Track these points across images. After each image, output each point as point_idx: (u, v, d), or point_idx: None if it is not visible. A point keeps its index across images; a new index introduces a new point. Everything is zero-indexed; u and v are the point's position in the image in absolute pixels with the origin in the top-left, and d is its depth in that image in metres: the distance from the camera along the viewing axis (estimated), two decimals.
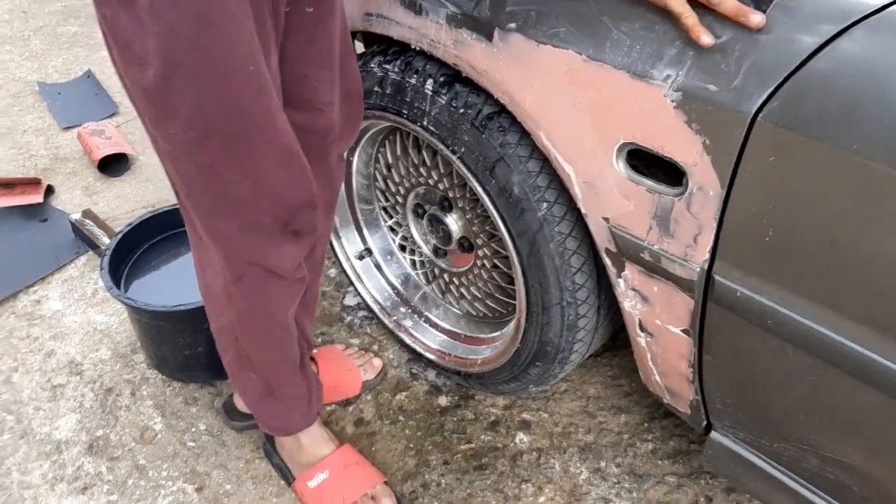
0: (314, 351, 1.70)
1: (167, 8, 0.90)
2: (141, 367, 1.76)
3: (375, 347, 1.80)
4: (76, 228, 2.10)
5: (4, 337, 1.85)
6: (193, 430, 1.63)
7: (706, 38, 0.90)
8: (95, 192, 2.36)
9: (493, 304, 1.57)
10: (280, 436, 1.47)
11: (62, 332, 1.86)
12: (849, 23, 0.82)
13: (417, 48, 1.25)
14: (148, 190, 2.36)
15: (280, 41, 1.09)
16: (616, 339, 1.73)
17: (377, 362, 1.72)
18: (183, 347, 1.61)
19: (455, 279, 1.62)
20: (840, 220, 0.85)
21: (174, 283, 1.70)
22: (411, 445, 1.58)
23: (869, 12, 0.81)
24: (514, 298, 1.50)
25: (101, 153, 2.37)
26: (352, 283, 1.78)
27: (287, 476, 1.50)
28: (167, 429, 1.63)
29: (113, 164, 2.41)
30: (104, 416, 1.65)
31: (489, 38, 1.11)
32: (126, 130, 2.64)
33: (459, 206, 1.46)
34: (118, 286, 1.67)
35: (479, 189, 1.27)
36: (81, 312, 1.91)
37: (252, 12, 0.96)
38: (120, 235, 1.70)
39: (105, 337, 1.84)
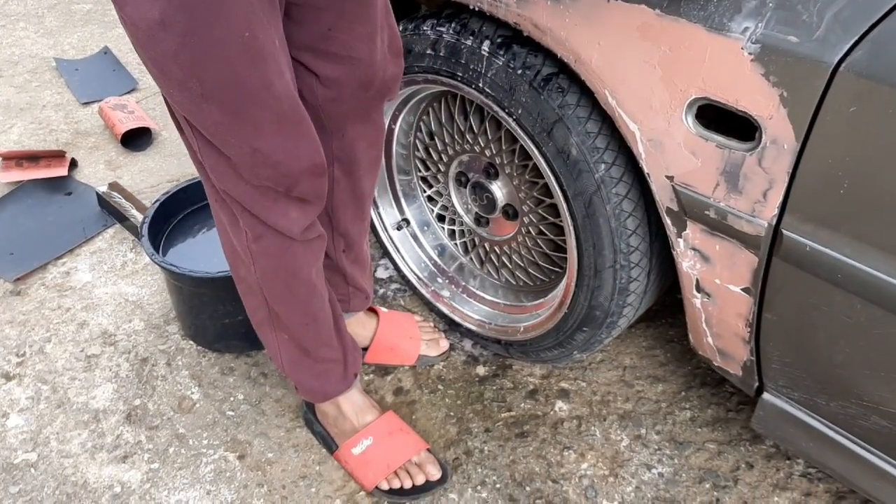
0: (384, 310, 1.71)
1: None
2: (175, 337, 1.76)
3: None
4: (103, 201, 2.09)
5: (35, 308, 1.84)
6: (232, 399, 1.62)
7: None
8: (119, 166, 2.35)
9: (534, 273, 1.57)
10: (318, 401, 1.47)
11: (93, 303, 1.86)
12: None
13: (476, 8, 1.25)
14: (172, 165, 2.35)
15: None
16: (649, 312, 1.74)
17: (444, 343, 1.71)
18: (223, 315, 1.60)
19: (496, 248, 1.62)
20: None
21: (209, 253, 1.70)
22: (452, 414, 1.59)
23: None
24: (558, 266, 1.51)
25: (124, 127, 2.36)
26: (387, 255, 1.78)
27: (330, 444, 1.50)
28: (205, 398, 1.62)
29: (135, 139, 2.40)
30: (141, 386, 1.65)
31: None
32: (147, 106, 2.63)
33: (506, 172, 1.46)
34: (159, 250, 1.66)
35: (536, 152, 1.27)
36: (112, 284, 1.91)
37: None
38: (157, 204, 1.69)
39: (137, 308, 1.84)
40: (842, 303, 1.01)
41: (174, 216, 1.76)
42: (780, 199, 1.00)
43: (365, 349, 1.65)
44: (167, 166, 2.34)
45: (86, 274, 1.94)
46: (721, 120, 1.04)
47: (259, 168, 1.08)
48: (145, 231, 1.61)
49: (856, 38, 0.87)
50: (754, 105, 0.97)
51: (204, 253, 1.71)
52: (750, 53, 0.95)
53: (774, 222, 1.02)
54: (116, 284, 1.91)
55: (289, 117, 1.07)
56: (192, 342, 1.74)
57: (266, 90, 1.03)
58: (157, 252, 1.67)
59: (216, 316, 1.61)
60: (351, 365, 1.45)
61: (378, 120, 1.33)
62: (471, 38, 1.29)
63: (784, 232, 1.02)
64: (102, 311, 1.83)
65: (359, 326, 1.63)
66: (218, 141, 1.06)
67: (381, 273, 1.93)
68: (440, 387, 1.65)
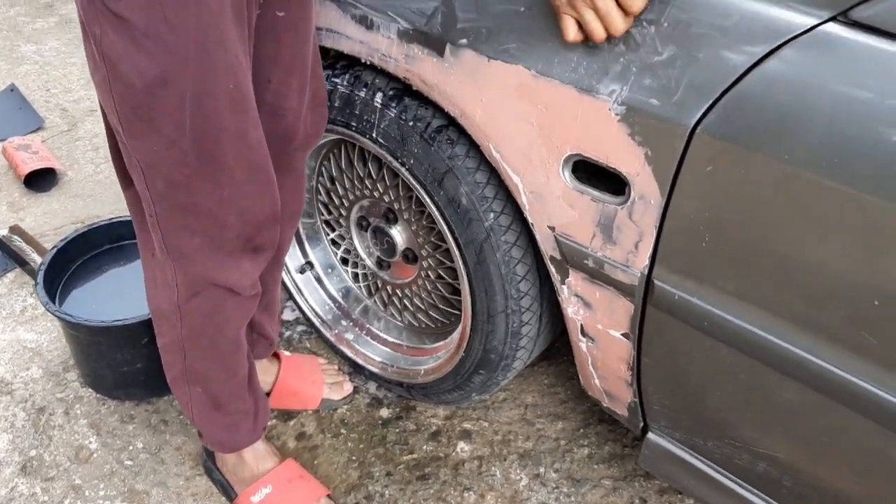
0: (286, 354, 1.70)
1: (165, 30, 0.93)
2: (74, 385, 1.72)
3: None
4: (3, 245, 2.04)
5: None
6: (130, 448, 1.60)
7: (570, 36, 0.99)
8: (21, 207, 2.29)
9: (435, 315, 1.60)
10: (225, 452, 1.46)
11: None
12: (781, 41, 0.89)
13: (368, 62, 1.28)
14: (77, 205, 2.31)
15: (251, 48, 1.11)
16: (551, 349, 1.78)
17: (348, 386, 1.72)
18: (121, 364, 1.58)
19: (398, 291, 1.64)
20: (770, 225, 0.92)
21: (110, 299, 1.67)
22: (354, 458, 1.59)
23: (799, 32, 0.88)
24: (457, 309, 1.54)
25: (27, 168, 2.31)
26: (292, 298, 1.78)
27: (229, 492, 1.49)
28: (103, 447, 1.59)
29: (39, 180, 2.35)
30: (37, 436, 1.61)
31: (440, 53, 1.15)
32: (53, 145, 2.58)
33: (405, 217, 1.49)
34: (53, 302, 1.63)
35: (428, 200, 1.30)
36: (10, 331, 1.86)
37: (237, 29, 0.99)
38: (55, 250, 1.66)
39: (35, 355, 1.79)
40: (710, 349, 1.06)
41: (74, 261, 1.73)
42: (650, 250, 1.05)
43: (267, 394, 1.64)
44: (72, 207, 2.30)
45: None
46: (599, 174, 1.09)
47: (227, 216, 1.10)
48: (41, 278, 1.58)
49: (710, 102, 0.93)
50: (622, 162, 1.02)
51: (105, 299, 1.68)
52: (617, 114, 1.00)
53: (646, 272, 1.07)
54: (15, 331, 1.86)
55: (260, 165, 1.10)
56: (91, 390, 1.71)
57: (243, 139, 1.06)
58: (56, 298, 1.64)
59: (114, 364, 1.59)
60: (261, 417, 1.44)
61: (300, 170, 1.35)
62: (364, 89, 1.32)
63: (655, 281, 1.07)
64: None
65: (260, 372, 1.63)
66: (186, 191, 1.06)
67: (288, 315, 1.93)
68: (343, 431, 1.65)
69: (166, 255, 1.15)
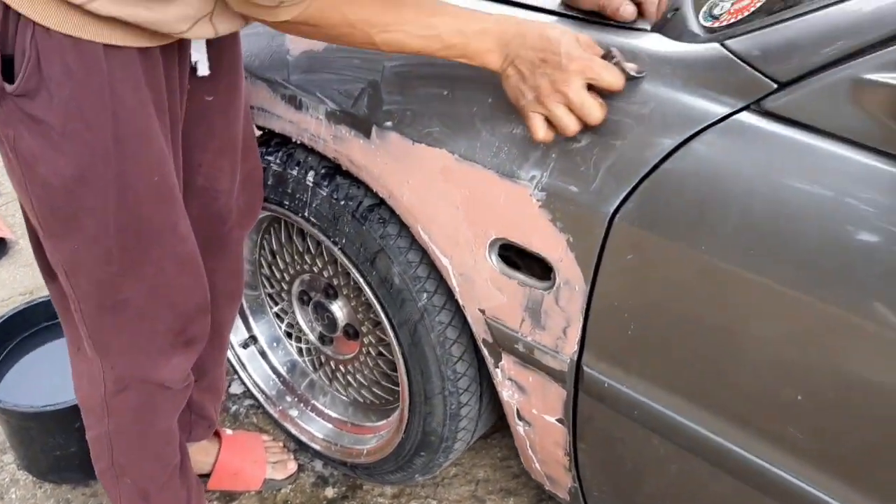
0: (228, 432, 1.65)
1: (83, 129, 0.91)
2: (10, 468, 1.66)
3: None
4: None
5: None
6: None
7: (540, 134, 0.94)
8: None
9: (379, 392, 1.56)
10: None
11: None
12: (696, 130, 0.88)
13: (298, 142, 1.26)
14: (26, 275, 2.26)
15: (179, 134, 1.09)
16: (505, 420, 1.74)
17: (292, 465, 1.66)
18: (54, 448, 1.53)
19: (342, 366, 1.60)
20: (692, 316, 0.90)
21: (47, 378, 1.62)
22: None
23: (713, 120, 0.87)
24: (398, 385, 1.50)
25: None
26: (236, 372, 1.73)
27: None
28: None
29: None
30: None
31: (367, 135, 1.14)
32: (4, 213, 2.54)
33: (344, 293, 1.46)
34: None
35: (361, 279, 1.28)
36: None
37: (159, 120, 0.97)
38: None
39: None
40: (642, 438, 1.03)
41: (11, 339, 1.68)
42: (579, 336, 1.02)
43: (207, 475, 1.59)
44: (21, 277, 2.25)
45: None
46: (531, 255, 1.06)
47: (156, 310, 1.07)
48: None
49: (627, 190, 0.91)
50: (546, 248, 1.00)
51: (42, 378, 1.63)
52: (538, 200, 0.98)
53: (576, 358, 1.04)
54: None
55: (190, 256, 1.08)
56: (27, 473, 1.64)
57: (171, 231, 1.03)
58: None
59: (47, 448, 1.53)
60: None
61: (236, 250, 1.32)
62: (296, 168, 1.30)
63: (585, 368, 1.04)
64: None
65: (200, 453, 1.58)
66: (112, 289, 1.03)
67: (235, 388, 1.88)
68: None
69: (93, 351, 1.11)
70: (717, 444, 0.93)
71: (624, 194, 0.91)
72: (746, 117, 0.85)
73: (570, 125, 0.92)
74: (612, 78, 0.90)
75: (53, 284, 1.12)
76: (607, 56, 0.93)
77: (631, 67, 0.92)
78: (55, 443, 1.52)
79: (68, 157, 0.91)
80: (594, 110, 0.91)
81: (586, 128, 0.94)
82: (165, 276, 1.05)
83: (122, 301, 1.05)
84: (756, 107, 0.85)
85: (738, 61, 0.85)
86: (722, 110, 0.86)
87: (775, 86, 0.82)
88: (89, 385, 1.18)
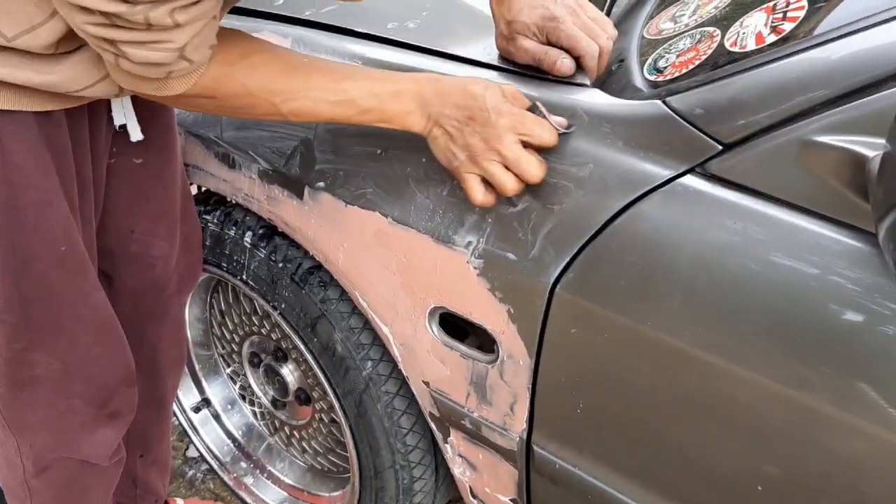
0: (180, 502, 1.56)
1: None
2: None
3: None
4: None
5: None
6: None
7: (479, 197, 0.85)
8: None
9: (335, 459, 1.47)
10: None
11: None
12: (638, 194, 0.80)
13: (233, 201, 1.19)
14: None
15: (101, 199, 1.01)
16: None
17: None
18: None
19: (296, 432, 1.52)
20: (642, 395, 0.82)
21: None
22: None
23: (655, 185, 0.79)
24: None
25: None
26: (188, 437, 1.65)
27: None
28: None
29: None
30: None
31: (300, 195, 1.06)
32: None
33: (293, 356, 1.38)
34: None
35: (302, 346, 1.20)
36: None
37: (63, 187, 0.89)
38: None
39: None
40: None
41: None
42: (527, 414, 0.94)
43: None
44: None
45: None
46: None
47: (71, 384, 0.99)
48: None
49: (567, 259, 0.83)
50: (486, 319, 0.92)
51: None
52: (475, 268, 0.90)
53: (525, 437, 0.96)
54: None
55: (106, 326, 1.00)
56: None
57: (83, 302, 0.96)
58: None
59: None
60: None
61: (178, 316, 1.25)
62: (234, 228, 1.22)
63: (535, 448, 0.95)
64: None
65: None
66: (22, 366, 0.96)
67: (192, 452, 1.79)
68: None
69: (7, 430, 1.03)
70: None
71: (564, 263, 0.83)
72: (690, 181, 0.77)
73: (509, 183, 0.83)
74: (544, 133, 0.83)
75: None
76: (533, 109, 0.86)
77: (558, 122, 0.84)
78: None
79: None
80: (532, 166, 0.82)
81: (526, 187, 0.86)
82: (80, 349, 0.98)
83: (35, 377, 0.97)
84: (700, 169, 0.77)
85: (681, 120, 0.77)
86: (664, 173, 0.79)
87: (720, 147, 0.75)
88: (7, 467, 1.09)
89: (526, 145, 0.83)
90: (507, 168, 0.83)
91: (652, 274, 0.78)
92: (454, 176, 0.88)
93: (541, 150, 0.84)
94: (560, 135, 0.84)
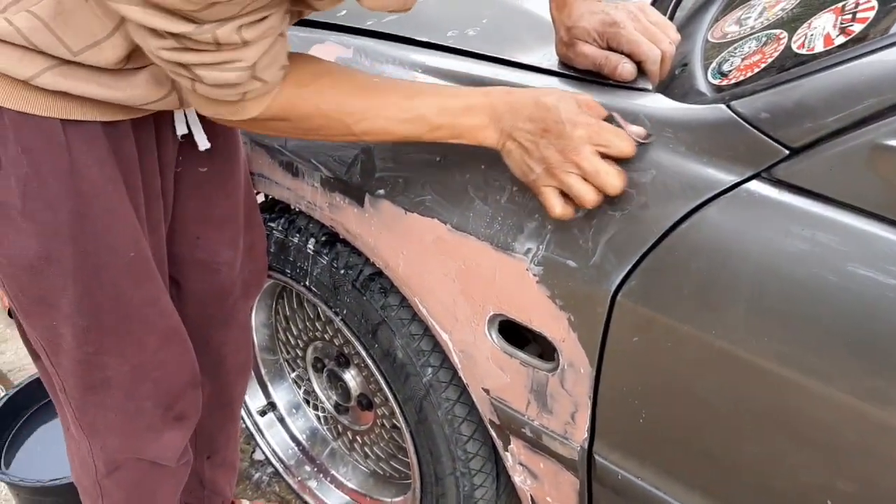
0: (246, 503, 1.58)
1: (43, 208, 0.87)
2: None
3: None
4: None
5: None
6: None
7: (557, 210, 0.83)
8: (4, 340, 2.25)
9: (397, 465, 1.47)
10: None
11: None
12: (701, 200, 0.79)
13: (297, 209, 1.21)
14: None
15: (170, 210, 1.04)
16: None
17: None
18: None
19: (359, 437, 1.53)
20: (706, 405, 0.80)
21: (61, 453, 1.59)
22: None
23: (719, 191, 0.78)
24: None
25: None
26: (254, 440, 1.67)
27: None
28: None
29: None
30: None
31: (360, 203, 1.07)
32: None
33: (355, 362, 1.39)
34: (1, 452, 1.56)
35: (363, 352, 1.21)
36: None
37: (130, 196, 0.92)
38: (4, 399, 1.59)
39: None
40: None
41: (28, 408, 1.66)
42: (588, 423, 0.93)
43: None
44: None
45: None
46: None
47: (139, 386, 1.02)
48: None
49: (629, 266, 0.82)
50: (546, 327, 0.91)
51: (55, 452, 1.60)
52: (535, 275, 0.89)
53: (587, 446, 0.94)
54: None
55: (173, 331, 1.03)
56: None
57: (152, 307, 0.99)
58: (2, 449, 1.57)
59: None
60: None
61: (243, 321, 1.27)
62: (297, 235, 1.24)
63: (597, 458, 0.94)
64: None
65: None
66: (92, 369, 0.99)
67: (260, 455, 1.82)
68: None
69: (80, 431, 1.07)
70: None
71: (626, 270, 0.82)
72: (756, 186, 0.75)
73: (588, 195, 0.81)
74: (622, 144, 0.80)
75: (38, 363, 1.08)
76: (609, 119, 0.84)
77: (636, 132, 0.82)
78: None
79: (30, 238, 0.87)
80: (612, 177, 0.80)
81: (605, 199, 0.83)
82: (148, 353, 1.01)
83: (105, 380, 1.00)
84: (766, 175, 0.75)
85: (746, 125, 0.75)
86: (729, 179, 0.77)
87: (787, 152, 0.73)
88: (81, 466, 1.13)
89: (603, 156, 0.81)
90: (585, 180, 0.82)
91: (716, 282, 0.76)
92: (531, 190, 0.86)
93: (618, 162, 0.82)
94: (638, 145, 0.82)
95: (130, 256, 0.94)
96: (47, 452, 1.60)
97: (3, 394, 1.64)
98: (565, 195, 0.83)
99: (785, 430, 0.76)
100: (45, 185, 0.85)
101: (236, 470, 1.48)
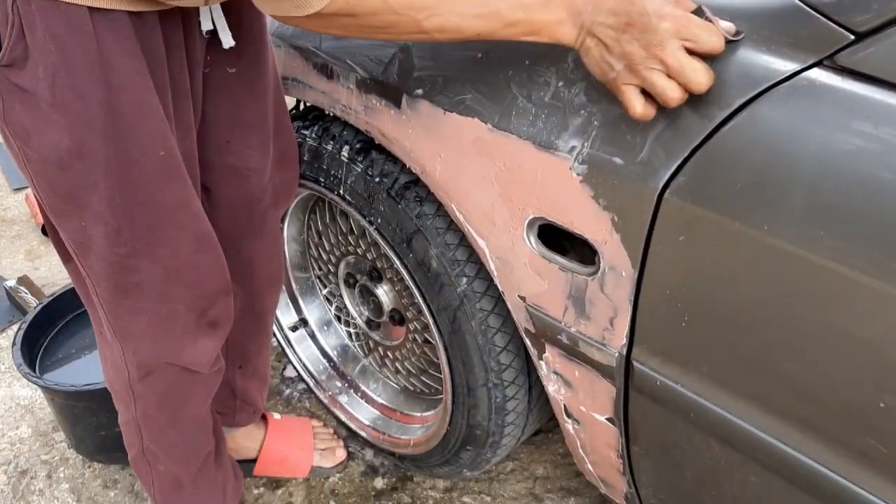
0: (276, 417, 1.60)
1: (73, 99, 0.85)
2: (60, 446, 1.66)
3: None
4: (10, 296, 2.02)
5: None
6: None
7: (639, 110, 0.78)
8: (38, 255, 2.28)
9: (427, 381, 1.47)
10: None
11: None
12: (756, 91, 0.75)
13: (331, 113, 1.18)
14: None
15: (199, 109, 1.02)
16: None
17: (340, 453, 1.59)
18: (98, 428, 1.51)
19: (390, 352, 1.53)
20: (753, 306, 0.77)
21: (95, 360, 1.60)
22: None
23: (777, 80, 0.74)
24: None
25: None
26: (286, 355, 1.68)
27: None
28: None
29: None
30: (15, 502, 1.54)
31: (397, 104, 1.04)
32: None
33: (388, 276, 1.38)
34: (36, 359, 1.58)
35: (397, 262, 1.19)
36: (6, 386, 1.81)
37: (159, 93, 0.90)
38: (39, 307, 1.61)
39: (27, 413, 1.74)
40: (700, 443, 0.91)
41: (62, 318, 1.68)
42: (627, 328, 0.91)
43: (253, 461, 1.54)
44: None
45: None
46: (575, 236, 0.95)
47: (172, 290, 1.01)
48: (19, 338, 1.52)
49: (678, 162, 0.79)
50: (588, 229, 0.89)
51: (92, 357, 1.62)
52: (578, 174, 0.87)
53: (625, 352, 0.93)
54: (11, 387, 1.81)
55: (206, 235, 1.02)
56: (76, 452, 1.64)
57: (183, 209, 0.98)
58: (39, 356, 1.59)
59: (91, 428, 1.51)
60: (231, 496, 1.34)
61: (274, 230, 1.26)
62: (331, 142, 1.22)
63: (635, 364, 0.92)
64: None
65: (245, 438, 1.53)
66: (125, 272, 0.98)
67: (291, 372, 1.83)
68: (332, 502, 1.53)
69: (113, 335, 1.07)
70: (787, 456, 0.80)
71: (675, 166, 0.79)
72: (817, 74, 0.71)
73: (674, 93, 0.76)
74: (712, 39, 0.75)
75: (70, 266, 1.08)
76: (698, 13, 0.79)
77: (726, 28, 0.77)
78: (99, 422, 1.49)
79: (61, 130, 0.85)
80: (699, 74, 0.75)
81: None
82: (181, 256, 1.00)
83: (138, 283, 1.00)
84: (829, 62, 0.71)
85: (807, 9, 0.71)
86: (789, 67, 0.73)
87: (852, 37, 0.69)
88: (113, 371, 1.14)
89: (690, 53, 0.76)
90: (668, 77, 0.77)
91: (772, 175, 0.72)
92: (610, 89, 0.81)
93: (706, 59, 0.77)
94: (727, 42, 0.76)
95: (160, 155, 0.92)
96: (81, 360, 1.62)
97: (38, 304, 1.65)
98: (646, 94, 0.78)
99: (838, 332, 0.73)
100: (74, 75, 0.83)
101: (267, 382, 1.49)
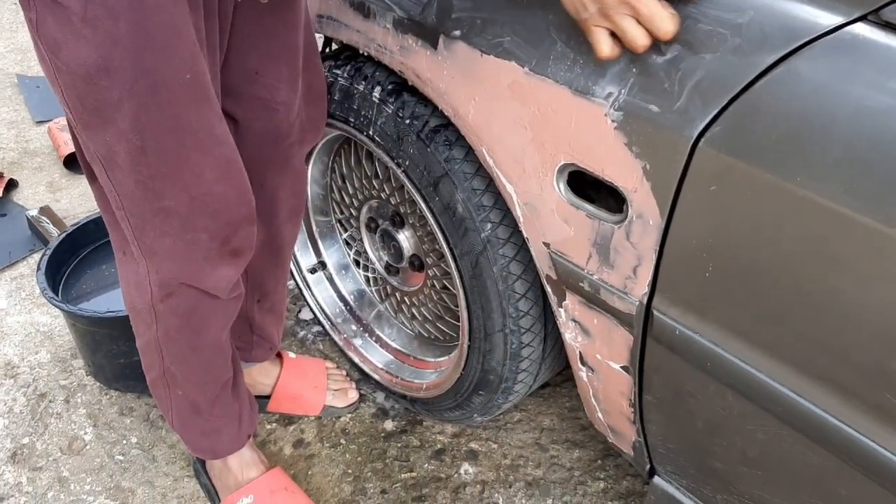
0: (291, 356, 1.63)
1: (104, 16, 0.85)
2: (79, 373, 1.69)
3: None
4: (32, 225, 2.04)
5: None
6: (124, 442, 1.55)
7: (606, 51, 0.84)
8: (59, 188, 2.30)
9: (443, 327, 1.49)
10: (207, 458, 1.40)
11: (2, 331, 1.79)
12: (798, 44, 0.75)
13: (365, 53, 1.19)
14: None
15: (227, 36, 1.03)
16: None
17: (353, 394, 1.62)
18: (118, 355, 1.54)
19: (407, 298, 1.55)
20: (782, 259, 0.78)
21: (117, 286, 1.63)
22: (350, 471, 1.51)
23: (820, 33, 0.74)
24: None
25: (68, 149, 2.31)
26: (303, 296, 1.70)
27: (213, 498, 1.43)
28: (97, 440, 1.55)
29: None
30: (33, 424, 1.58)
31: (434, 45, 1.05)
32: None
33: (410, 222, 1.39)
34: (58, 287, 1.60)
35: (423, 205, 1.20)
36: (26, 312, 1.84)
37: (192, 15, 0.91)
38: (63, 235, 1.63)
39: (47, 339, 1.77)
40: (714, 393, 0.93)
41: (84, 247, 1.70)
42: (650, 277, 0.92)
43: (267, 397, 1.57)
44: None
45: (1, 300, 1.88)
46: (603, 185, 0.96)
47: (197, 218, 1.02)
48: (43, 264, 1.55)
49: (715, 111, 0.80)
50: (619, 176, 0.89)
51: (113, 286, 1.65)
52: (613, 121, 0.87)
53: (646, 301, 0.94)
54: (31, 313, 1.84)
55: (231, 163, 1.02)
56: (94, 379, 1.67)
57: (209, 134, 0.98)
58: (61, 283, 1.62)
59: (111, 355, 1.54)
60: (246, 424, 1.37)
61: (299, 167, 1.27)
62: (363, 83, 1.23)
63: (655, 313, 0.94)
64: (10, 340, 1.77)
65: (261, 374, 1.56)
66: (150, 194, 0.99)
67: (306, 314, 1.86)
68: (343, 441, 1.57)
69: (139, 252, 1.08)
70: (802, 408, 0.82)
71: (711, 115, 0.80)
72: (861, 29, 0.72)
73: (640, 38, 0.81)
74: None
75: (95, 185, 1.09)
76: None
77: None
78: (119, 350, 1.52)
79: (90, 45, 0.86)
80: (667, 22, 0.80)
81: (659, 42, 0.83)
82: (205, 183, 1.00)
83: (164, 209, 1.01)
84: (874, 17, 0.71)
85: None
86: (832, 21, 0.73)
87: None
88: (136, 290, 1.15)
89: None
90: (638, 23, 0.81)
91: (809, 128, 0.73)
92: (581, 28, 0.85)
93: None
94: None
95: (187, 78, 0.93)
96: (102, 290, 1.64)
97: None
98: (614, 36, 0.83)
99: (862, 287, 0.74)
100: None
101: (283, 319, 1.51)
